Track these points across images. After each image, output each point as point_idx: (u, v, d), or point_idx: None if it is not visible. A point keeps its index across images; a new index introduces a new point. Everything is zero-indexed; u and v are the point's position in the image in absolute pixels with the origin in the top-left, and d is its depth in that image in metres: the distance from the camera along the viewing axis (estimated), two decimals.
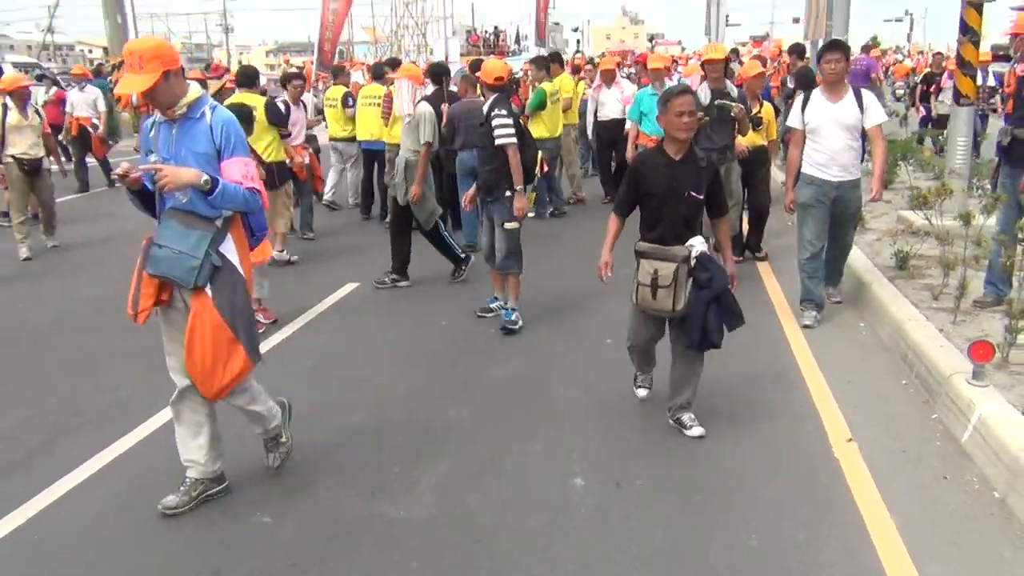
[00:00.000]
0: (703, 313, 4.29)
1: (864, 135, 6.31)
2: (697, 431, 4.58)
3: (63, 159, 11.26)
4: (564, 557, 3.55)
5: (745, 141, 7.86)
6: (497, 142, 6.19)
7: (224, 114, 3.78)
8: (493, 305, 6.76)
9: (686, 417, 4.62)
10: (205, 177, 3.59)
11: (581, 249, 8.56)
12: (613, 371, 5.39)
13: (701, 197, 4.44)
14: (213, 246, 3.71)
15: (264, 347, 6.04)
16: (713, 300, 4.31)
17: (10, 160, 9.14)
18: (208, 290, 3.71)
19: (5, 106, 9.10)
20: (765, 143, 8.32)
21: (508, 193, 6.26)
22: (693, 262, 4.32)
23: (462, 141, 8.48)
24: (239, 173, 3.71)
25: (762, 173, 8.45)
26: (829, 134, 6.07)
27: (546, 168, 8.60)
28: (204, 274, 3.68)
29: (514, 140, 6.18)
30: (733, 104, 7.18)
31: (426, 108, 7.48)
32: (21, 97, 9.23)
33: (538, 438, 4.66)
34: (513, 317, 6.42)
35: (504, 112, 6.21)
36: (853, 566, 3.46)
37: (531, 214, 10.31)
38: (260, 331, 6.30)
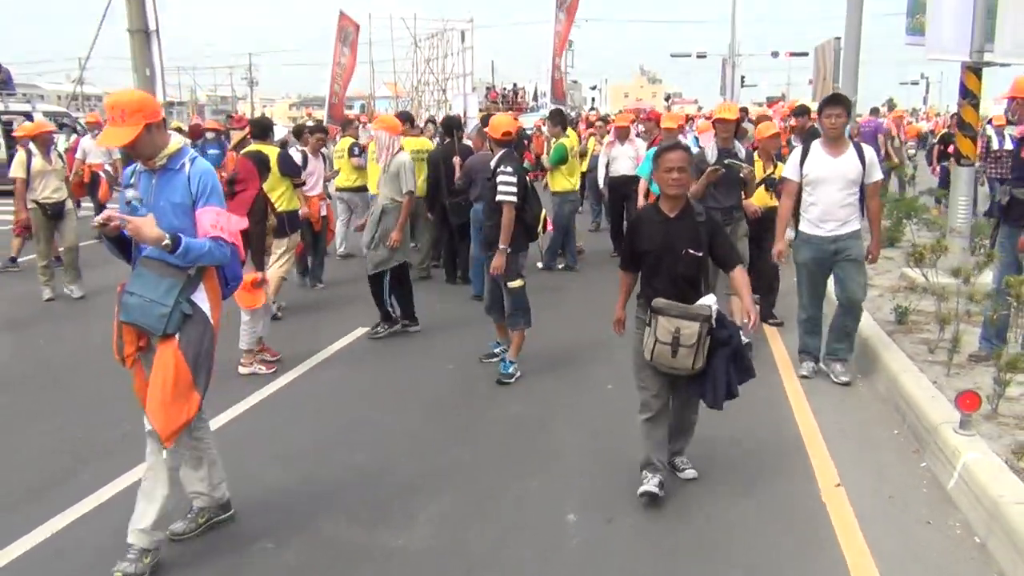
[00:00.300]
0: (725, 371, 4.27)
1: (862, 191, 6.22)
2: (690, 473, 4.73)
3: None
4: None
5: (757, 202, 7.62)
6: (497, 198, 6.26)
7: (202, 165, 3.85)
8: (496, 350, 6.85)
9: (679, 460, 4.76)
10: (166, 241, 3.60)
11: (588, 300, 8.77)
12: (614, 417, 5.54)
13: (700, 254, 4.33)
14: (184, 294, 3.75)
15: (271, 388, 6.31)
16: (732, 357, 4.29)
17: (34, 206, 9.38)
18: (176, 336, 3.75)
19: (30, 152, 9.33)
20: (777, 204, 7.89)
21: (509, 251, 6.26)
22: (713, 322, 4.24)
23: (477, 193, 8.67)
24: (209, 222, 3.74)
25: (771, 238, 8.16)
26: (828, 188, 6.01)
27: (549, 227, 8.63)
28: (174, 322, 3.72)
29: (512, 199, 6.21)
30: (742, 164, 7.04)
31: (404, 158, 7.58)
32: (45, 142, 9.46)
33: (536, 476, 4.82)
34: (511, 370, 6.45)
35: (509, 169, 6.26)
36: None
37: (539, 265, 10.58)
38: (271, 371, 6.54)
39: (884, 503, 4.48)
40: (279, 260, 7.75)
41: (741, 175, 7.02)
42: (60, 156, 9.80)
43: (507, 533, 4.20)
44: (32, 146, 9.38)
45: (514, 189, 6.22)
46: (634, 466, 4.61)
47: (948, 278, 6.67)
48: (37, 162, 9.28)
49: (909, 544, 4.06)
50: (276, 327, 7.40)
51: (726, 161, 6.93)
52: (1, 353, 7.41)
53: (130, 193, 3.76)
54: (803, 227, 6.23)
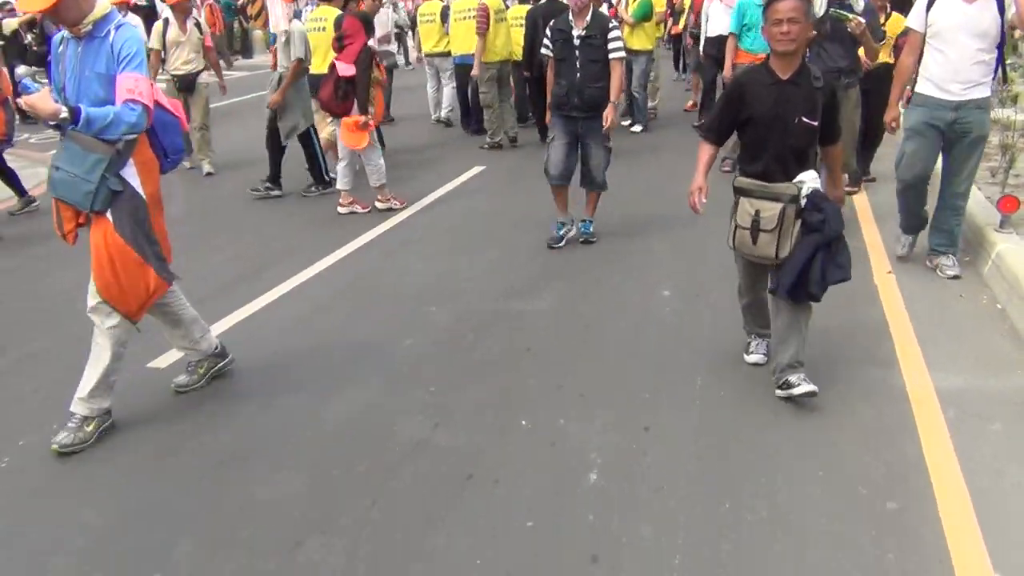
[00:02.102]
0: (807, 259, 3.71)
1: (1002, 44, 5.14)
2: (805, 388, 3.84)
3: None
4: (646, 349, 4.66)
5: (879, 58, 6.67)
6: (613, 56, 6.04)
7: (128, 32, 3.64)
8: (561, 232, 6.46)
9: (794, 377, 3.88)
10: (63, 114, 3.49)
11: (664, 165, 8.88)
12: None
13: (815, 124, 3.77)
14: (111, 170, 3.62)
15: (400, 217, 7.36)
16: (823, 246, 3.72)
17: (168, 78, 9.10)
18: (108, 215, 3.68)
19: (167, 21, 9.06)
20: (892, 60, 6.80)
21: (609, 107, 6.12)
22: (803, 201, 3.73)
23: None
24: (126, 87, 3.55)
25: (884, 95, 6.29)
26: (957, 41, 5.02)
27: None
28: (101, 199, 3.62)
29: (623, 55, 6.19)
30: (851, 16, 5.85)
31: (296, 26, 7.74)
32: (184, 11, 9.05)
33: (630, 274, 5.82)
34: (592, 229, 6.47)
35: (617, 24, 6.25)
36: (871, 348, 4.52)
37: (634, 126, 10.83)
38: (401, 204, 7.53)
39: (927, 286, 5.33)
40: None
41: (848, 29, 5.89)
42: (198, 25, 9.26)
43: (610, 306, 5.24)
44: (170, 15, 9.07)
45: (621, 44, 6.12)
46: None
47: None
48: (172, 32, 8.95)
49: (942, 308, 4.99)
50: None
51: (831, 11, 5.93)
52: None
53: (20, 70, 3.62)
54: (920, 88, 5.27)
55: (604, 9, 9.26)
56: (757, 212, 3.78)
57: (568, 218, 6.49)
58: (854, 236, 5.85)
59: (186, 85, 9.08)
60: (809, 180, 3.75)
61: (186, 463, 3.69)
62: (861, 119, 6.68)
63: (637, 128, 10.88)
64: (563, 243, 6.38)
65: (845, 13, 5.86)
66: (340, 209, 7.54)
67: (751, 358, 4.33)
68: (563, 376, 4.34)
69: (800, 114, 3.75)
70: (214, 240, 6.96)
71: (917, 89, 5.31)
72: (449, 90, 11.67)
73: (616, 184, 6.76)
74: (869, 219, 6.72)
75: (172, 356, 4.65)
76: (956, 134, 5.16)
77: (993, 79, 5.25)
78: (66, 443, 3.75)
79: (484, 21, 9.62)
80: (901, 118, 5.52)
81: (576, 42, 6.01)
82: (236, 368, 4.54)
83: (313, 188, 8.34)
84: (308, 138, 8.15)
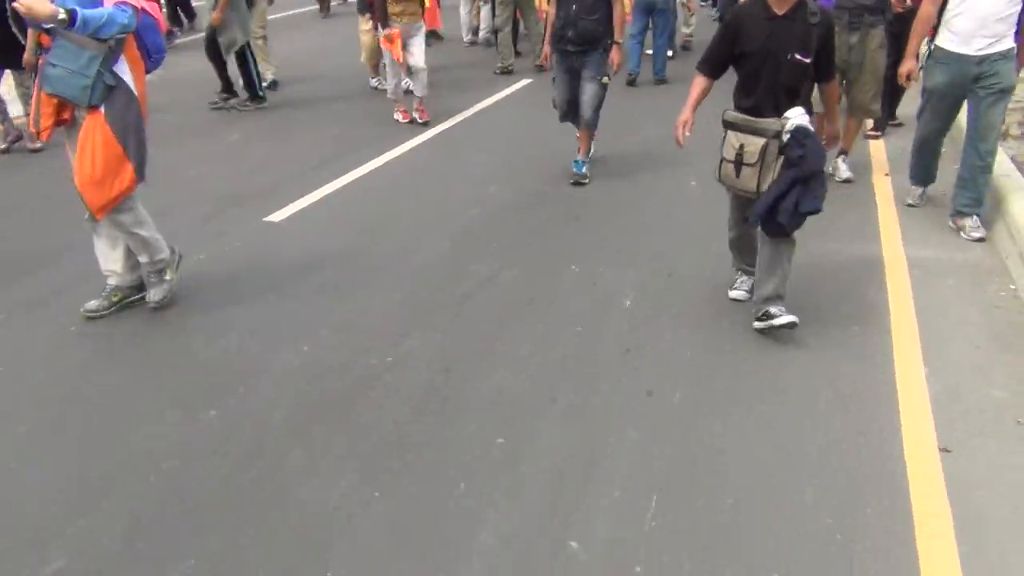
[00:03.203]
0: (781, 192, 3.77)
1: None
2: (785, 319, 3.96)
3: None
4: (673, 223, 5.60)
5: None
6: None
7: None
8: (584, 169, 6.40)
9: (774, 309, 4.01)
10: (61, 15, 3.58)
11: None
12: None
13: (808, 60, 3.78)
14: (105, 65, 3.81)
15: (460, 117, 8.27)
16: (800, 181, 3.76)
17: None
18: (102, 108, 3.87)
19: None
20: None
21: (609, 41, 6.09)
22: (786, 137, 3.77)
23: None
24: None
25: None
26: None
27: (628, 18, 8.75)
28: (98, 93, 3.82)
29: None
30: None
31: None
32: None
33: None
34: (584, 170, 6.36)
35: None
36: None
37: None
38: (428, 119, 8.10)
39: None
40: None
41: None
42: None
43: (644, 191, 6.17)
44: None
45: None
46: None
47: None
48: None
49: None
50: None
51: None
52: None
53: None
54: (941, 42, 5.09)
55: None
56: (741, 146, 3.86)
57: (585, 157, 6.45)
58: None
59: None
60: (795, 116, 3.77)
61: (302, 281, 4.73)
62: (889, 64, 6.18)
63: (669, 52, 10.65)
64: (588, 180, 6.35)
65: None
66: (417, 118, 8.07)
67: (734, 293, 4.44)
68: (604, 237, 5.32)
69: (793, 50, 3.77)
70: (295, 131, 7.94)
71: (939, 43, 5.10)
72: (487, 10, 11.80)
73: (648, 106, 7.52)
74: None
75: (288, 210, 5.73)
76: (981, 87, 4.99)
77: (1017, 30, 5.02)
78: (91, 308, 4.30)
79: None
80: (920, 72, 5.36)
81: None
82: (347, 217, 5.65)
83: (248, 103, 8.70)
84: (243, 55, 8.46)
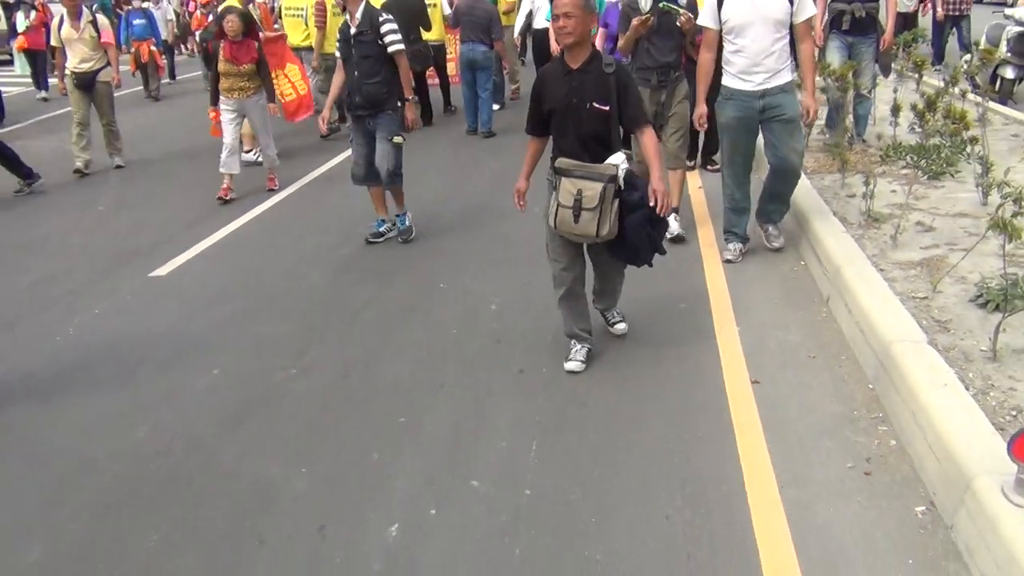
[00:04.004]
0: (646, 235, 4.02)
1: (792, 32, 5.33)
2: (621, 328, 4.59)
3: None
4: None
5: None
6: (390, 49, 6.06)
7: None
8: (382, 229, 6.56)
9: (609, 315, 4.64)
10: None
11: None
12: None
13: (607, 108, 3.93)
14: None
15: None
16: (649, 220, 4.00)
17: (68, 74, 9.02)
18: None
19: (62, 18, 8.91)
20: None
21: (398, 104, 6.18)
22: (621, 183, 3.94)
23: (464, 35, 10.02)
24: None
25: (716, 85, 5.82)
26: (754, 33, 5.18)
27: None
28: None
29: (403, 47, 6.14)
30: (678, 9, 5.84)
31: None
32: (73, 8, 8.87)
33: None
34: (408, 223, 6.51)
35: (391, 17, 6.14)
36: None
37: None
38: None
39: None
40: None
41: (677, 23, 5.85)
42: (93, 23, 9.01)
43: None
44: (65, 12, 8.92)
45: (400, 36, 6.14)
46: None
47: None
48: (66, 29, 8.86)
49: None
50: None
51: (661, 4, 5.82)
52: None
53: None
54: (726, 81, 5.41)
55: None
56: (579, 191, 3.90)
57: (388, 216, 6.59)
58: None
59: (84, 84, 9.00)
60: (621, 162, 3.94)
61: (199, 318, 5.22)
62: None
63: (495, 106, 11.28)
64: (382, 239, 6.47)
65: (674, 7, 5.83)
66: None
67: (570, 365, 4.32)
68: (464, 261, 6.06)
69: (591, 100, 3.93)
70: (159, 199, 8.31)
71: (724, 83, 5.41)
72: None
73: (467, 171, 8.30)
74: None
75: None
76: (768, 115, 5.30)
77: (792, 66, 5.42)
78: None
79: (321, 16, 9.92)
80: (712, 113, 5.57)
81: (352, 40, 6.08)
82: (230, 264, 6.10)
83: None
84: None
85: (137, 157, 9.97)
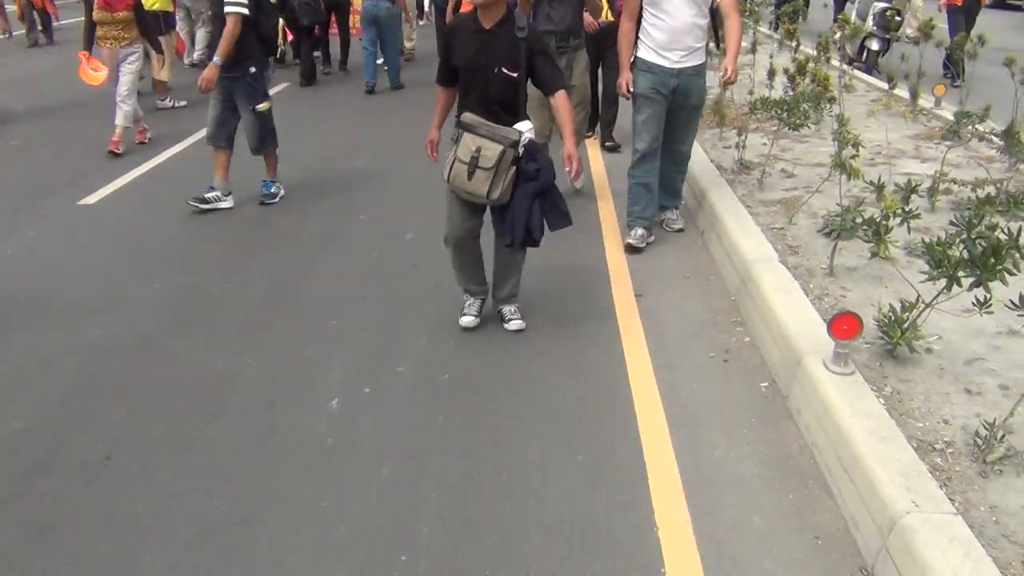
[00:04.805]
0: (527, 209, 3.92)
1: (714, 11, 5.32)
2: (515, 324, 4.41)
3: None
4: None
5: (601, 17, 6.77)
6: (225, 10, 5.74)
7: None
8: (208, 195, 6.21)
9: (506, 310, 4.46)
10: None
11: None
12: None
13: (515, 75, 3.83)
14: None
15: None
16: (539, 195, 3.93)
17: None
18: None
19: None
20: (615, 19, 6.56)
21: (253, 70, 5.94)
22: (522, 149, 3.86)
23: None
24: None
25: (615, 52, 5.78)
26: (673, 9, 5.03)
27: (291, 36, 10.31)
28: None
29: (240, 9, 5.74)
30: None
31: None
32: None
33: None
34: (273, 189, 6.41)
35: None
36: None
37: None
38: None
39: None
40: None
41: None
42: None
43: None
44: None
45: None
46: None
47: None
48: None
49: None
50: None
51: None
52: None
53: None
54: (642, 54, 5.24)
55: None
56: (479, 149, 3.82)
57: (219, 183, 6.27)
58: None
59: None
60: (527, 130, 3.87)
61: (141, 240, 5.61)
62: (599, 81, 6.71)
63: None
64: (206, 206, 6.17)
65: None
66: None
67: (464, 320, 4.40)
68: (381, 195, 6.58)
69: (499, 64, 3.81)
70: (77, 138, 8.49)
71: (640, 55, 5.26)
72: (201, 33, 11.75)
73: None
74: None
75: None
76: (677, 101, 5.22)
77: (706, 45, 5.37)
78: None
79: None
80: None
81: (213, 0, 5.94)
82: (161, 192, 6.43)
83: None
84: None
85: (42, 103, 9.98)
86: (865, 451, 2.97)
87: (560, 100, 3.97)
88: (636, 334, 4.37)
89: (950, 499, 2.71)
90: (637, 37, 5.29)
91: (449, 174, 3.96)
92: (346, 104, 10.19)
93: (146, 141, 8.05)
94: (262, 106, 6.03)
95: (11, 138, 8.40)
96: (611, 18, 6.76)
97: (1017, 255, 3.04)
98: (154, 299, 4.82)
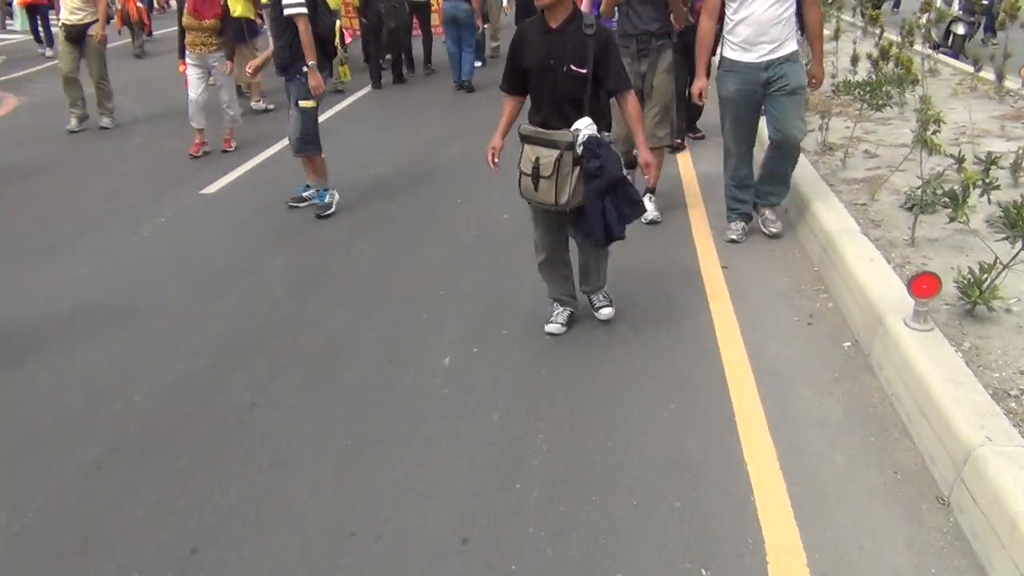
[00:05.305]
0: (600, 207, 3.91)
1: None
2: (606, 312, 4.46)
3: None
4: None
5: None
6: (285, 12, 5.75)
7: None
8: (305, 194, 6.52)
9: (594, 298, 4.52)
10: None
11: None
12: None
13: (584, 71, 3.81)
14: None
15: None
16: (608, 191, 3.90)
17: (59, 26, 8.88)
18: None
19: None
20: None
21: (305, 69, 5.89)
22: (580, 149, 3.83)
23: None
24: None
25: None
26: (755, 3, 4.93)
27: (348, 39, 10.36)
28: None
29: (303, 10, 5.73)
30: None
31: None
32: None
33: None
34: (327, 199, 6.35)
35: None
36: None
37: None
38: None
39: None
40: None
41: None
42: None
43: None
44: None
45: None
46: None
47: None
48: None
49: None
50: None
51: None
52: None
53: None
54: (727, 53, 5.15)
55: None
56: (537, 159, 3.88)
57: (315, 182, 6.47)
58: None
59: (74, 36, 8.90)
60: (584, 127, 3.82)
61: (256, 225, 6.13)
62: (681, 98, 6.48)
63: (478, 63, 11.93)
64: (303, 204, 6.48)
65: None
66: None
67: (550, 327, 4.40)
68: (476, 184, 7.00)
69: (568, 62, 3.81)
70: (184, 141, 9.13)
71: (724, 54, 5.16)
72: None
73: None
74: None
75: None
76: (774, 88, 5.05)
77: (797, 34, 5.17)
78: None
79: None
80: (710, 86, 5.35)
81: (271, 2, 5.98)
82: (275, 182, 6.98)
83: None
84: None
85: (128, 117, 10.08)
86: (942, 393, 3.21)
87: (627, 102, 3.99)
88: (723, 300, 4.66)
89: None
90: (719, 36, 5.23)
91: (521, 187, 4.04)
92: (434, 101, 10.67)
93: (230, 149, 8.24)
94: (306, 103, 6.01)
95: (136, 137, 9.09)
96: (692, 20, 6.43)
97: None
98: (279, 271, 5.32)
